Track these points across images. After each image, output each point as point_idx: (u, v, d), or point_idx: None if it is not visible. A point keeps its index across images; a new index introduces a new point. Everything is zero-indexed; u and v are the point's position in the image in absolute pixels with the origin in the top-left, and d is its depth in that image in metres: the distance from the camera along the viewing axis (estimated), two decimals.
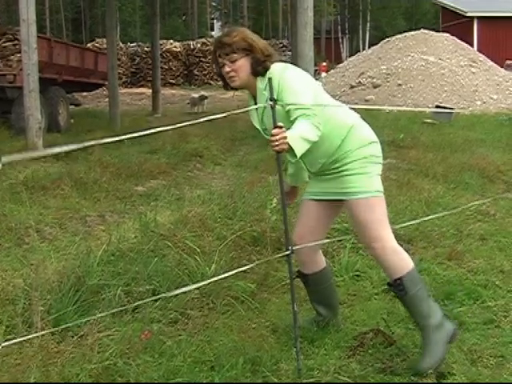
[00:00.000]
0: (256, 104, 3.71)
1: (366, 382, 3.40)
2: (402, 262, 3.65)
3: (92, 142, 2.74)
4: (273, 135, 3.25)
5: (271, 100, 3.40)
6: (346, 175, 3.63)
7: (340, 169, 3.64)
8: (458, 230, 6.23)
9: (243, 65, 3.63)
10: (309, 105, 3.44)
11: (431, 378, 3.49)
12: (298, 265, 4.08)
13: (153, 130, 2.89)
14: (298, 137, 3.33)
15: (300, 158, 3.45)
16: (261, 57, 3.62)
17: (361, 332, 3.94)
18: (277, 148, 3.26)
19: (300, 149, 3.34)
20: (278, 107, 3.49)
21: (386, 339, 3.83)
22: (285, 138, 3.24)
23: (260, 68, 3.62)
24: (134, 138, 2.79)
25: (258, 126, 3.80)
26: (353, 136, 3.63)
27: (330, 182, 3.71)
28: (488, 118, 15.14)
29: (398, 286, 3.64)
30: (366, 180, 3.61)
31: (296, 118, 3.44)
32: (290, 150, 3.30)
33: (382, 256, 3.65)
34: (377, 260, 3.80)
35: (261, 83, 3.63)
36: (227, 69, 3.64)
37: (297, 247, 3.73)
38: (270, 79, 3.45)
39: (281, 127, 3.26)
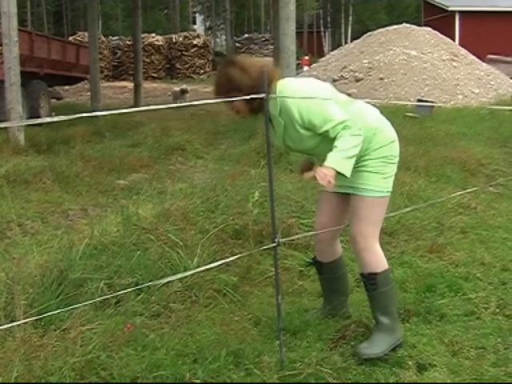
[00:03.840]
0: (274, 127, 3.62)
1: (348, 383, 3.43)
2: (378, 261, 3.71)
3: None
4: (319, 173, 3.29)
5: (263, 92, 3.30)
6: (363, 171, 3.64)
7: (358, 164, 3.62)
8: (439, 222, 6.27)
9: (238, 105, 3.54)
10: (342, 117, 3.44)
11: (412, 369, 3.53)
12: (312, 251, 4.08)
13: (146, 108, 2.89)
14: (341, 158, 3.36)
15: (323, 159, 3.44)
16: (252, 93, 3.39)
17: (343, 324, 3.97)
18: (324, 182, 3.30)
19: (347, 169, 3.38)
20: (303, 132, 3.52)
21: (367, 331, 3.86)
22: (330, 176, 3.28)
23: (256, 105, 3.45)
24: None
25: (278, 144, 3.77)
26: (376, 137, 3.64)
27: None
28: (469, 112, 15.15)
29: (371, 280, 3.70)
30: (381, 180, 3.65)
31: (337, 135, 3.43)
32: (339, 173, 3.33)
33: (362, 252, 3.71)
34: (355, 253, 3.85)
35: (273, 109, 3.50)
36: (228, 111, 3.58)
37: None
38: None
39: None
